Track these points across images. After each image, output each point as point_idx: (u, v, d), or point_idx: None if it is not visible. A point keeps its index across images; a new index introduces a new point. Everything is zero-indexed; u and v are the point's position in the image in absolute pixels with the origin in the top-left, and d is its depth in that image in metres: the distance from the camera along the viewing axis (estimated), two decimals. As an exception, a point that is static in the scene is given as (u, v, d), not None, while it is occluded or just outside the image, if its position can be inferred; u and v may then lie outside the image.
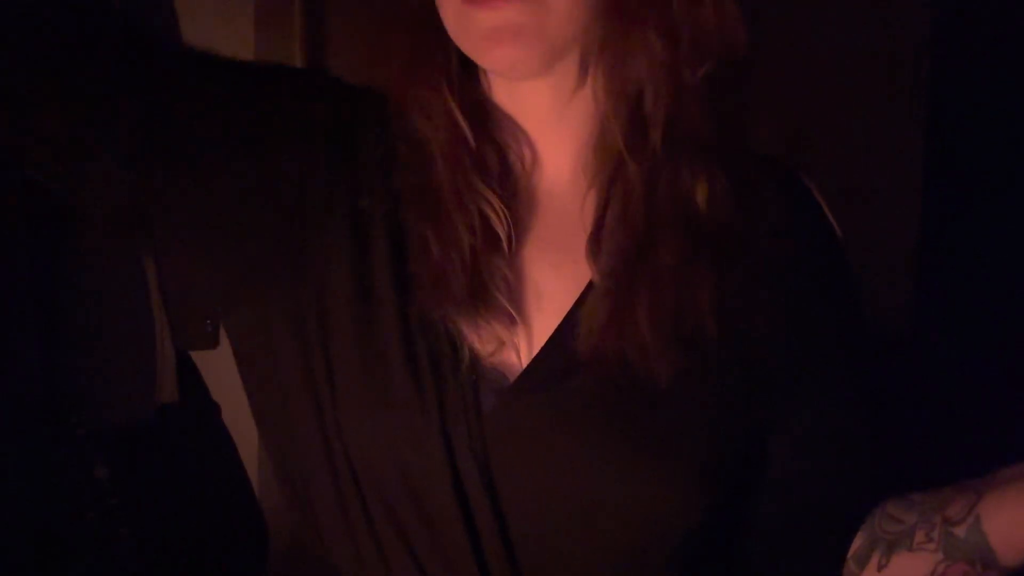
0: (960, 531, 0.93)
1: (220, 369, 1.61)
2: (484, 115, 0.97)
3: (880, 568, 0.97)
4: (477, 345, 0.93)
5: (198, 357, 1.58)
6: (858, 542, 0.99)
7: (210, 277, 0.99)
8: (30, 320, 1.35)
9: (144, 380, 1.45)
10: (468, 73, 0.97)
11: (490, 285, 0.93)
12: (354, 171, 0.96)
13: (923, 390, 2.26)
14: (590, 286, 0.94)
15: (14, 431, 1.35)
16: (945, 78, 2.84)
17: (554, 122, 0.96)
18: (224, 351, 1.55)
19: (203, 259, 0.98)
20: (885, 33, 2.80)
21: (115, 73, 0.92)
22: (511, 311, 0.93)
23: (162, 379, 1.47)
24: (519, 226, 0.96)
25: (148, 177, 0.93)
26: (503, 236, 0.94)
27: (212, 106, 0.95)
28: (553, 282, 0.96)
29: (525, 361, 0.94)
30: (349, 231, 0.95)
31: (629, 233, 0.93)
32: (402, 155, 0.96)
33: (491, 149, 0.96)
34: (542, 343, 0.94)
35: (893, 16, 2.80)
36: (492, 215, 0.94)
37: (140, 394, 1.45)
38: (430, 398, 0.91)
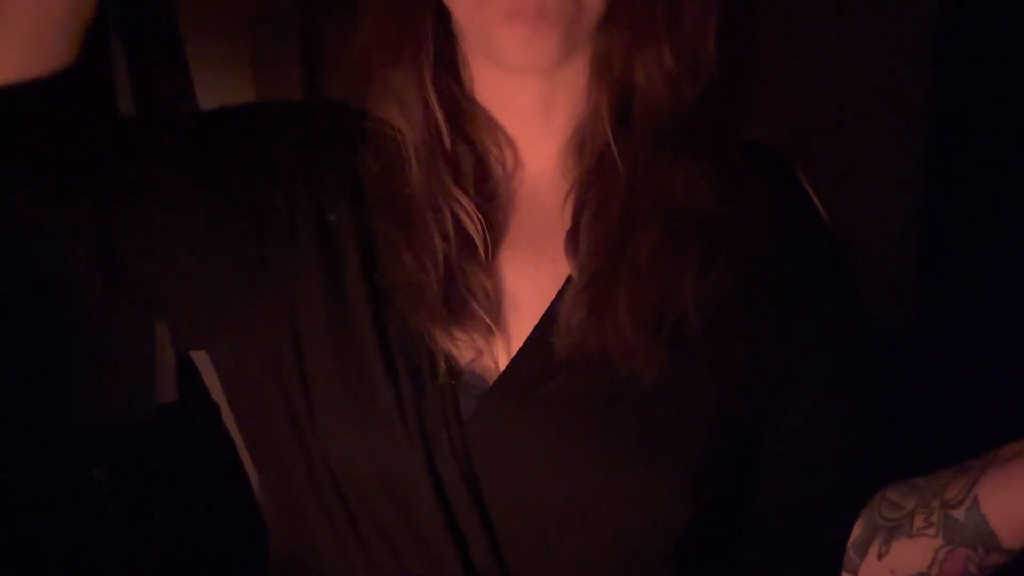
0: (959, 514, 0.91)
1: (220, 369, 1.62)
2: (462, 114, 0.95)
3: (880, 557, 0.95)
4: (455, 353, 0.92)
5: (198, 357, 1.58)
6: (858, 530, 0.97)
7: (184, 318, 0.98)
8: (29, 319, 1.35)
9: (144, 380, 1.45)
10: (448, 70, 0.95)
11: (465, 294, 0.92)
12: (318, 189, 0.95)
13: (923, 389, 2.25)
14: (568, 283, 0.93)
15: (13, 431, 1.35)
16: (945, 78, 2.84)
17: (538, 120, 0.96)
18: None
19: (175, 303, 0.97)
20: (886, 33, 2.80)
21: (85, 145, 0.92)
22: (488, 321, 0.92)
23: (162, 379, 1.47)
24: (497, 230, 0.95)
25: (112, 231, 0.92)
26: (479, 242, 0.93)
27: (168, 154, 0.93)
28: (531, 284, 0.95)
29: (503, 365, 0.93)
30: (317, 247, 0.93)
31: (607, 227, 0.92)
32: (371, 164, 0.95)
33: (467, 150, 0.95)
34: (519, 345, 0.93)
35: (895, 16, 2.80)
36: (466, 220, 0.93)
37: (140, 394, 1.45)
38: (409, 406, 0.90)
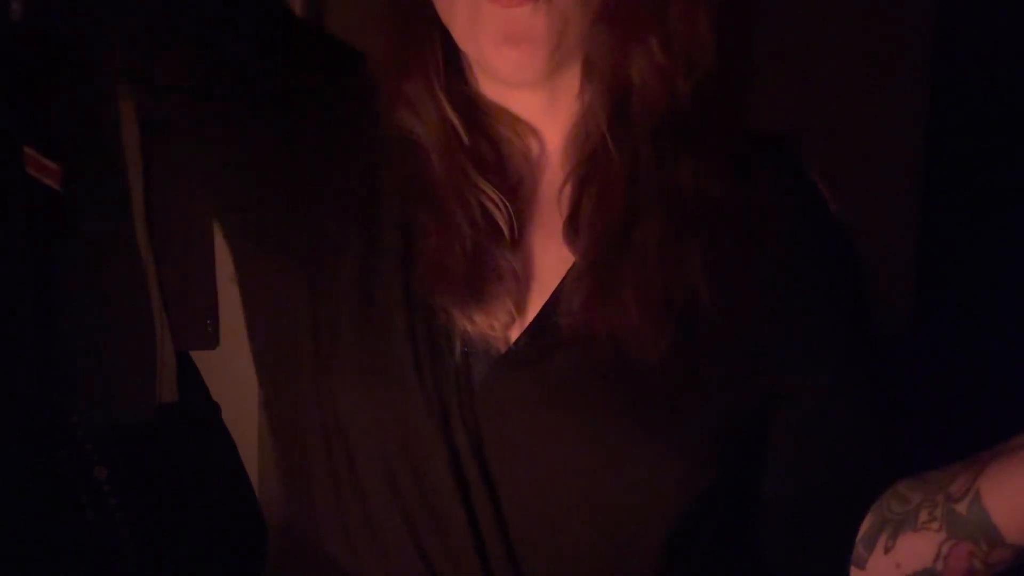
0: (961, 508, 0.90)
1: (220, 369, 1.62)
2: (477, 110, 0.98)
3: (887, 551, 0.95)
4: (471, 330, 0.95)
5: (198, 357, 1.58)
6: (867, 524, 0.97)
7: (240, 216, 1.02)
8: (30, 319, 1.35)
9: (144, 380, 1.45)
10: (455, 70, 0.98)
11: (491, 278, 0.95)
12: (373, 143, 0.99)
13: (923, 389, 2.25)
14: (573, 267, 0.96)
15: (13, 431, 1.35)
16: (945, 78, 2.84)
17: (541, 117, 0.98)
18: (224, 351, 1.56)
19: (235, 194, 1.01)
20: (886, 33, 2.80)
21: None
22: (510, 306, 0.95)
23: (162, 379, 1.47)
24: (521, 215, 0.98)
25: (200, 103, 0.99)
26: (505, 227, 0.96)
27: (268, 63, 1.00)
28: (542, 265, 0.98)
29: (514, 338, 0.96)
30: (364, 202, 0.97)
31: (609, 216, 0.95)
32: (399, 145, 0.98)
33: (487, 142, 0.98)
34: (530, 320, 0.96)
35: (895, 16, 2.80)
36: (492, 207, 0.96)
37: (140, 394, 1.45)
38: (427, 370, 0.93)
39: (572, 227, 0.96)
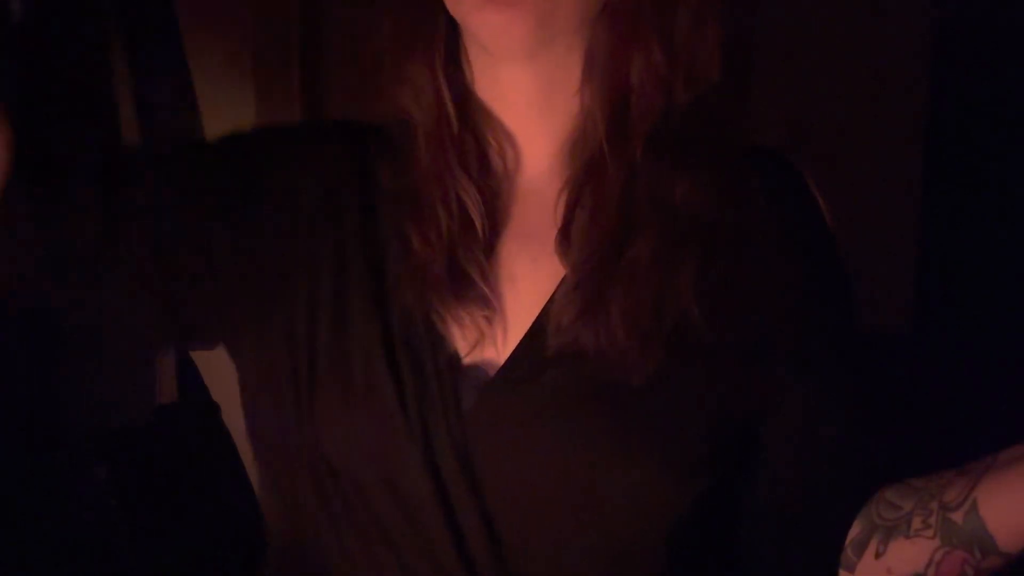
0: (957, 517, 0.92)
1: (220, 369, 1.62)
2: (467, 106, 0.98)
3: (877, 556, 0.96)
4: (457, 338, 0.94)
5: (198, 357, 1.58)
6: (855, 529, 0.98)
7: (221, 330, 1.01)
8: (29, 320, 1.35)
9: (144, 380, 1.45)
10: (456, 64, 0.98)
11: (468, 269, 0.94)
12: (332, 202, 0.98)
13: (922, 389, 2.26)
14: (563, 281, 0.95)
15: (13, 431, 1.35)
16: (945, 78, 2.85)
17: (535, 116, 0.97)
18: (224, 351, 1.56)
19: (216, 322, 0.99)
20: (886, 33, 2.80)
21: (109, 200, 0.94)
22: (488, 295, 0.94)
23: (162, 379, 1.48)
24: (499, 219, 0.97)
25: (165, 282, 0.95)
26: (478, 225, 0.95)
27: (194, 192, 0.96)
28: (530, 277, 0.96)
29: (503, 357, 0.94)
30: (332, 254, 0.96)
31: (603, 230, 0.94)
32: (384, 166, 0.98)
33: (471, 139, 0.97)
34: (519, 338, 0.94)
35: (895, 16, 2.80)
36: (468, 201, 0.95)
37: (140, 394, 1.45)
38: (411, 398, 0.92)
39: (564, 238, 0.95)
